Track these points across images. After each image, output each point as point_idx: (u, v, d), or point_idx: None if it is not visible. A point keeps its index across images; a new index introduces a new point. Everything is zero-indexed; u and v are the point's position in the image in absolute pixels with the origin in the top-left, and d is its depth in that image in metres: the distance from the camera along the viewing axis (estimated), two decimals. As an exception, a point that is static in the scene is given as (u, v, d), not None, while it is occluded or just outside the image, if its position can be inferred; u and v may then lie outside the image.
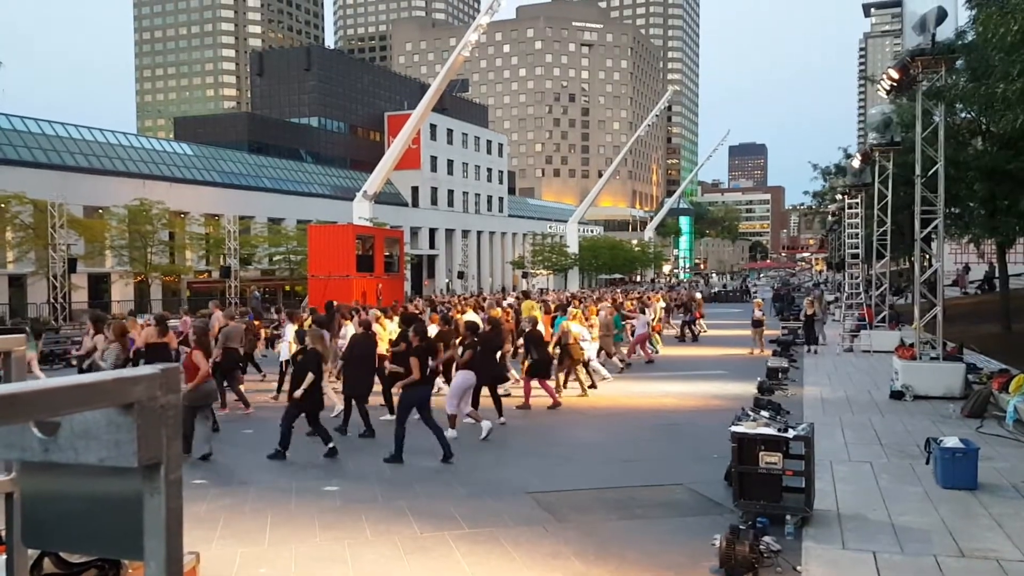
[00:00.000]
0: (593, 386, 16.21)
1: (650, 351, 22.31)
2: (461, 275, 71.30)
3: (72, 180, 43.35)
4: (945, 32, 13.78)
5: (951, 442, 8.45)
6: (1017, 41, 10.72)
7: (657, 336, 24.77)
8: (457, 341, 12.86)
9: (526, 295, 28.93)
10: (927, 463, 8.97)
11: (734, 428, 7.58)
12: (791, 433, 7.42)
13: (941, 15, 13.54)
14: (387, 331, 14.69)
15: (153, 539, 1.06)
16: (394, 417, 10.87)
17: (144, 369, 1.06)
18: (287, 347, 15.20)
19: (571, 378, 15.91)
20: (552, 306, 21.50)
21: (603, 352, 18.70)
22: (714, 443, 10.12)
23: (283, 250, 49.88)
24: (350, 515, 7.99)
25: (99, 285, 46.28)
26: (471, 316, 17.17)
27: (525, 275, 75.03)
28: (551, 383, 14.66)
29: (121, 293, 46.06)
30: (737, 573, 6.09)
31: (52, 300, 34.30)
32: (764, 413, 8.04)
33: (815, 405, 13.64)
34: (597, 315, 19.80)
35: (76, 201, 40.49)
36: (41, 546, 1.22)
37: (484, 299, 28.63)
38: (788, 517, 7.12)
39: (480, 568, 6.50)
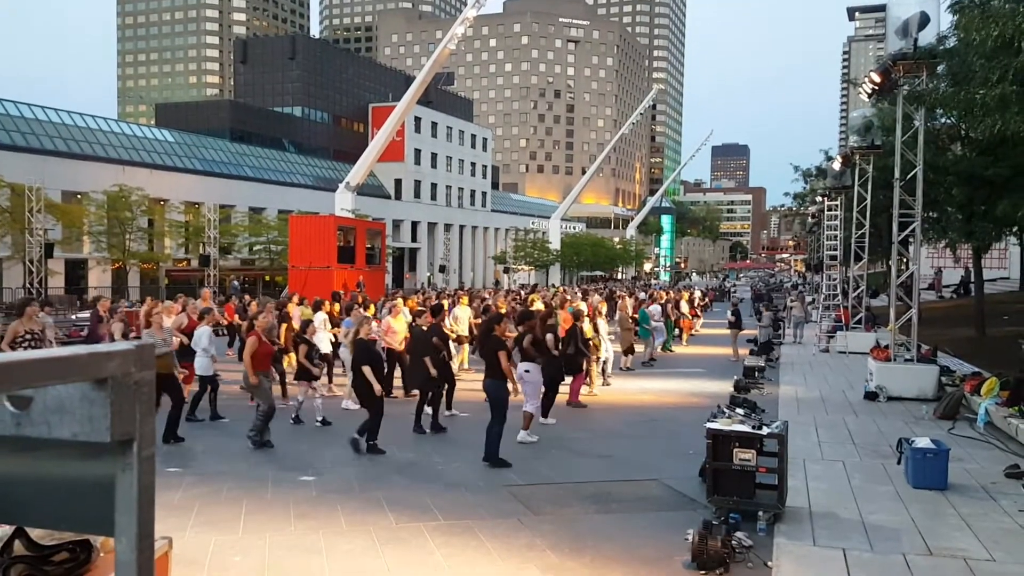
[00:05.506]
0: (605, 383, 16.24)
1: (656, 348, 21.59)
2: (443, 269, 71.07)
3: (51, 164, 42.86)
4: (927, 37, 13.95)
5: (923, 443, 8.56)
6: (998, 46, 10.81)
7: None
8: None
9: (534, 289, 28.61)
10: (899, 463, 9.09)
11: (709, 425, 7.65)
12: (765, 431, 7.49)
13: (924, 20, 13.70)
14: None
15: (124, 515, 1.06)
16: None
17: (119, 344, 1.06)
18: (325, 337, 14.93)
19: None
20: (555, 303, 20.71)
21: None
22: (690, 439, 10.21)
23: (264, 240, 49.56)
24: (326, 505, 7.99)
25: (76, 271, 45.82)
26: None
27: (507, 270, 74.97)
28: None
29: (98, 279, 45.63)
30: (709, 568, 6.15)
31: (28, 285, 33.86)
32: (739, 411, 8.11)
33: (790, 404, 13.76)
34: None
35: (54, 185, 40.03)
36: (9, 521, 1.22)
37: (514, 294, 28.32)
38: (760, 513, 7.18)
39: (455, 559, 6.52)
